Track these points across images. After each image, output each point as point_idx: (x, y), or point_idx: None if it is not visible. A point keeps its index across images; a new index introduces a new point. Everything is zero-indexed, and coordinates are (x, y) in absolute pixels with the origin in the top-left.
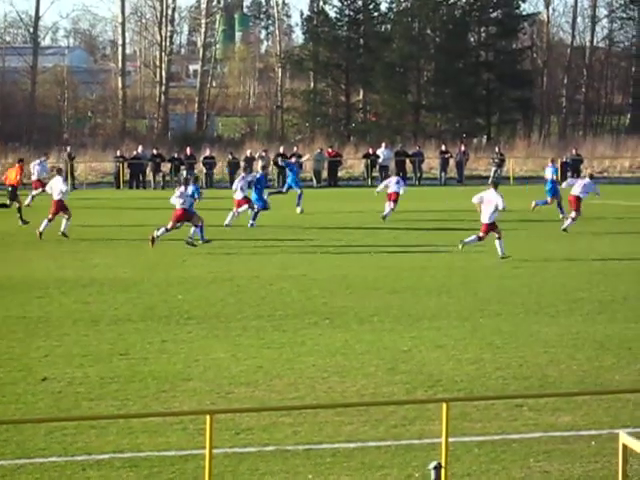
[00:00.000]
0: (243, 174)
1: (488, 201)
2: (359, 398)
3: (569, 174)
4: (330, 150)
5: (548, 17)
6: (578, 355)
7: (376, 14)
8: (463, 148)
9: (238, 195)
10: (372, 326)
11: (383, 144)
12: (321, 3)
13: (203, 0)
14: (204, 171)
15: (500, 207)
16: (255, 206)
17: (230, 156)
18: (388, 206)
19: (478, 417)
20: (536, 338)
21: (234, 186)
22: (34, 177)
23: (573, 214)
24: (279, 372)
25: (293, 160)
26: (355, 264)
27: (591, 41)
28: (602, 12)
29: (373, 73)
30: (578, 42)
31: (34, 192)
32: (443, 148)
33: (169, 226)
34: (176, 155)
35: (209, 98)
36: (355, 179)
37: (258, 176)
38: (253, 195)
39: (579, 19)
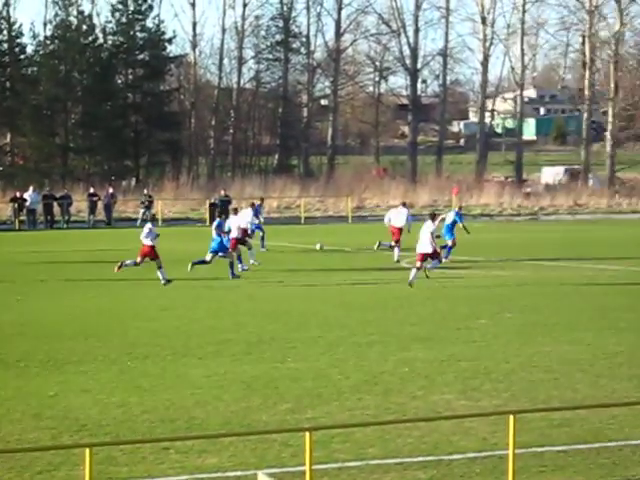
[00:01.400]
0: None
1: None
2: (4, 445)
3: (216, 215)
4: None
5: (195, 59)
6: (225, 396)
7: (22, 56)
8: (111, 190)
9: None
10: (18, 371)
11: (31, 187)
12: None
13: None
14: None
15: None
16: None
17: None
18: None
19: (124, 461)
20: (183, 380)
21: None
22: None
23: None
24: None
25: None
26: None
27: (238, 82)
28: (249, 53)
29: (20, 116)
30: (225, 83)
31: None
32: (92, 190)
33: (138, 260)
34: None
35: None
36: (3, 223)
37: None
38: None
39: (226, 60)
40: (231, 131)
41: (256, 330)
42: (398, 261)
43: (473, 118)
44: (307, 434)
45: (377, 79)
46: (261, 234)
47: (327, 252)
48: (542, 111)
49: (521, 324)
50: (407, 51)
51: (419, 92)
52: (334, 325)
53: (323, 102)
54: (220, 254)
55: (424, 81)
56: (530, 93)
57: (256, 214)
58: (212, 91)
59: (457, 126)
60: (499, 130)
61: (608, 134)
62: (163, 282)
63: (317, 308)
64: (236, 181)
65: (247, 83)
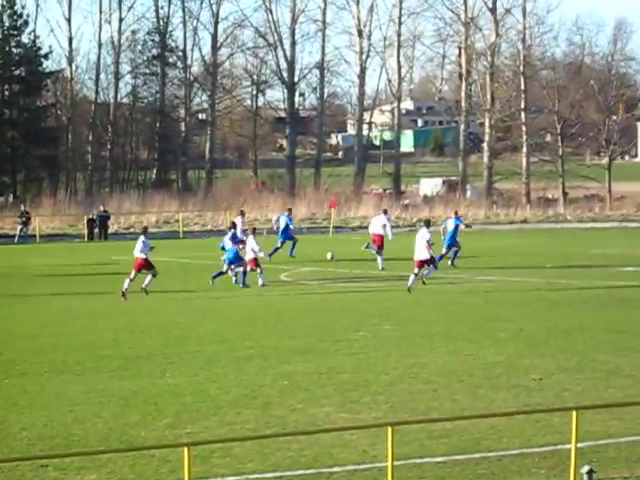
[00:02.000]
0: None
1: None
2: None
3: (96, 230)
4: None
5: (71, 74)
6: (104, 412)
7: None
8: None
9: None
10: None
11: None
12: None
13: None
14: None
15: None
16: None
17: None
18: None
19: (2, 479)
20: (62, 397)
21: None
22: None
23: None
24: None
25: None
26: None
27: (115, 97)
28: (125, 68)
29: None
30: (102, 98)
31: None
32: None
33: (132, 276)
34: None
35: None
36: None
37: None
38: None
39: (102, 75)
40: (108, 146)
41: (135, 345)
42: (383, 269)
43: (351, 130)
44: (185, 449)
45: (255, 92)
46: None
47: (206, 265)
48: (420, 123)
49: (400, 336)
50: (284, 64)
51: (297, 105)
52: (213, 339)
53: (201, 116)
54: (234, 264)
55: (302, 94)
56: (407, 105)
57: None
58: (89, 106)
59: (335, 139)
60: (377, 142)
61: (485, 145)
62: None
63: (197, 322)
64: (114, 196)
65: (124, 98)
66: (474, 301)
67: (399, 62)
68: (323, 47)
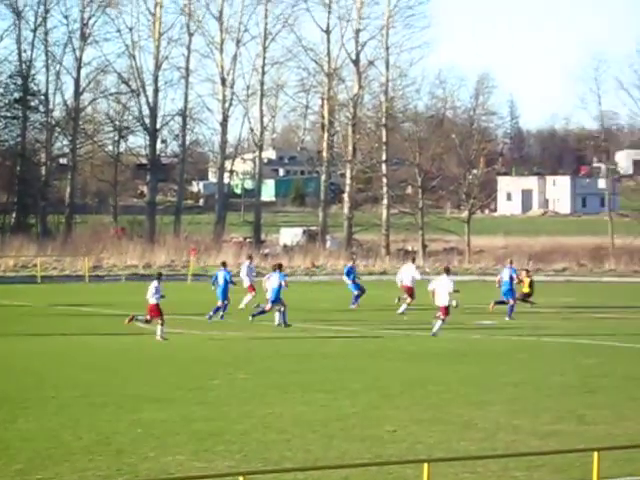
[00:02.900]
0: None
1: None
2: None
3: None
4: None
5: None
6: None
7: None
8: None
9: None
10: None
11: None
12: None
13: None
14: None
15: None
16: None
17: None
18: None
19: None
20: None
21: None
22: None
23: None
24: None
25: None
26: None
27: None
28: None
29: None
30: None
31: None
32: None
33: (148, 318)
34: None
35: None
36: None
37: None
38: None
39: None
40: None
41: None
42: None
43: (212, 178)
44: None
45: (116, 138)
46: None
47: (62, 314)
48: (281, 172)
49: (255, 385)
50: (147, 111)
51: (158, 152)
52: (68, 385)
53: (62, 160)
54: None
55: (164, 141)
56: (269, 154)
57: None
58: None
59: (196, 186)
60: (238, 191)
61: (346, 196)
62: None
63: (52, 367)
64: None
65: None
66: (330, 351)
67: (262, 111)
68: (186, 94)
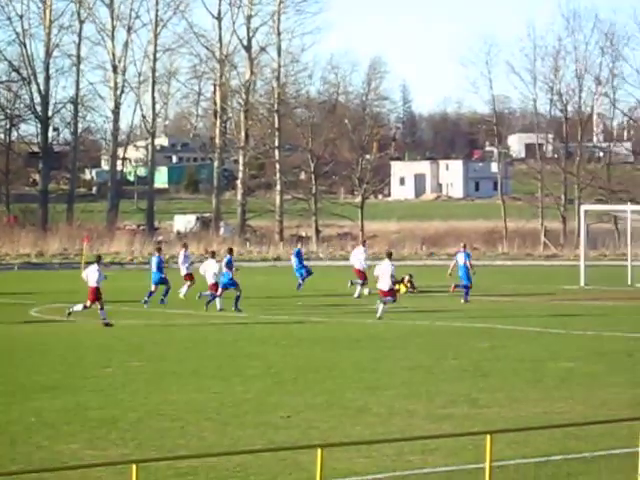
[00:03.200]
0: None
1: None
2: None
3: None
4: None
5: None
6: None
7: None
8: None
9: None
10: None
11: None
12: None
13: None
14: None
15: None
16: None
17: None
18: None
19: None
20: None
21: None
22: None
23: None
24: None
25: None
26: None
27: None
28: None
29: None
30: None
31: None
32: None
33: (87, 304)
34: None
35: None
36: None
37: None
38: None
39: None
40: None
41: None
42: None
43: (105, 166)
44: None
45: (8, 126)
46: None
47: None
48: (174, 159)
49: (149, 372)
50: (38, 98)
51: (50, 140)
52: None
53: None
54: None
55: (55, 129)
56: (162, 141)
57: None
58: None
59: (89, 174)
60: (131, 178)
61: (239, 182)
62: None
63: None
64: None
65: None
66: (224, 338)
67: (154, 98)
68: (77, 82)
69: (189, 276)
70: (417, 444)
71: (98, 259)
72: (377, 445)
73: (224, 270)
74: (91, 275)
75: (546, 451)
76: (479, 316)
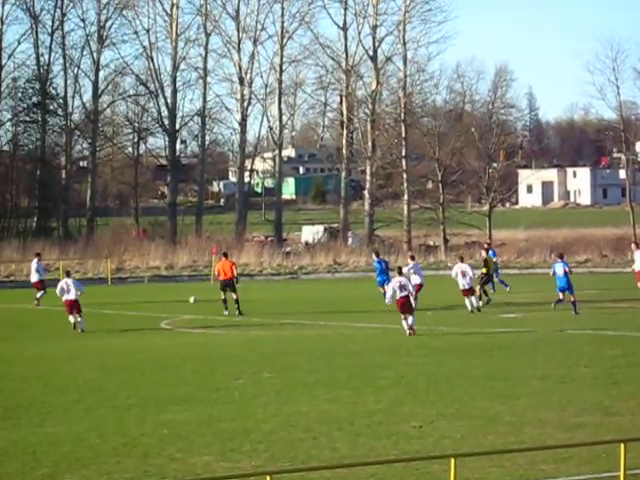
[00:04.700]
0: None
1: None
2: None
3: None
4: None
5: None
6: None
7: None
8: None
9: None
10: None
11: None
12: None
13: None
14: None
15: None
16: None
17: None
18: None
19: None
20: None
21: None
22: None
23: None
24: None
25: None
26: None
27: None
28: (6, 116)
29: None
30: None
31: None
32: None
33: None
34: None
35: None
36: None
37: None
38: None
39: None
40: None
41: (13, 394)
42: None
43: (232, 178)
44: None
45: (136, 140)
46: None
47: (86, 314)
48: (301, 170)
49: (280, 383)
50: (165, 112)
51: (178, 152)
52: (93, 388)
53: (82, 163)
54: None
55: (183, 141)
56: (289, 152)
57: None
58: None
59: (217, 186)
60: (259, 189)
61: (366, 192)
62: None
63: (77, 371)
64: None
65: (4, 145)
66: (354, 348)
67: (280, 109)
68: (204, 94)
69: (39, 283)
70: (550, 453)
71: (67, 274)
72: (509, 454)
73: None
74: (69, 290)
75: None
76: (609, 324)
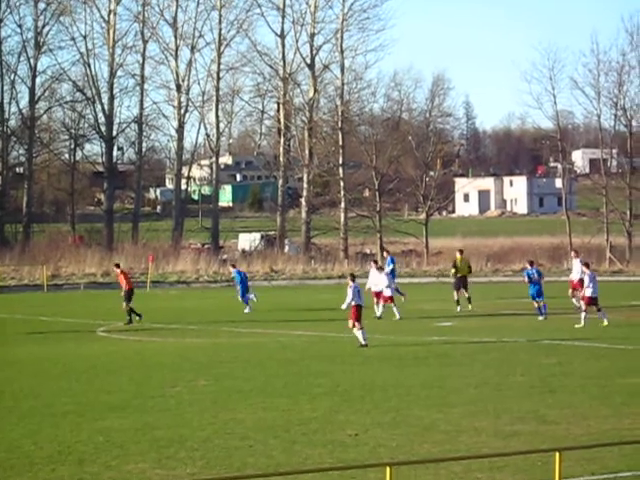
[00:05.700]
0: None
1: None
2: None
3: None
4: None
5: None
6: None
7: None
8: None
9: None
10: None
11: None
12: None
13: None
14: None
15: None
16: None
17: None
18: None
19: None
20: None
21: None
22: None
23: None
24: None
25: None
26: None
27: None
28: None
29: None
30: None
31: None
32: None
33: None
34: None
35: None
36: None
37: None
38: None
39: None
40: None
41: None
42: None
43: (169, 185)
44: None
45: (72, 146)
46: None
47: (22, 321)
48: (238, 177)
49: (216, 391)
50: (102, 118)
51: (115, 159)
52: (29, 395)
53: (18, 170)
54: None
55: (120, 148)
56: (226, 160)
57: None
58: None
59: (154, 193)
60: (196, 197)
61: (303, 200)
62: None
63: (12, 377)
64: None
65: None
66: (290, 356)
67: (217, 117)
68: (142, 101)
69: None
70: (485, 461)
71: None
72: (445, 463)
73: None
74: None
75: (615, 468)
76: (544, 333)
